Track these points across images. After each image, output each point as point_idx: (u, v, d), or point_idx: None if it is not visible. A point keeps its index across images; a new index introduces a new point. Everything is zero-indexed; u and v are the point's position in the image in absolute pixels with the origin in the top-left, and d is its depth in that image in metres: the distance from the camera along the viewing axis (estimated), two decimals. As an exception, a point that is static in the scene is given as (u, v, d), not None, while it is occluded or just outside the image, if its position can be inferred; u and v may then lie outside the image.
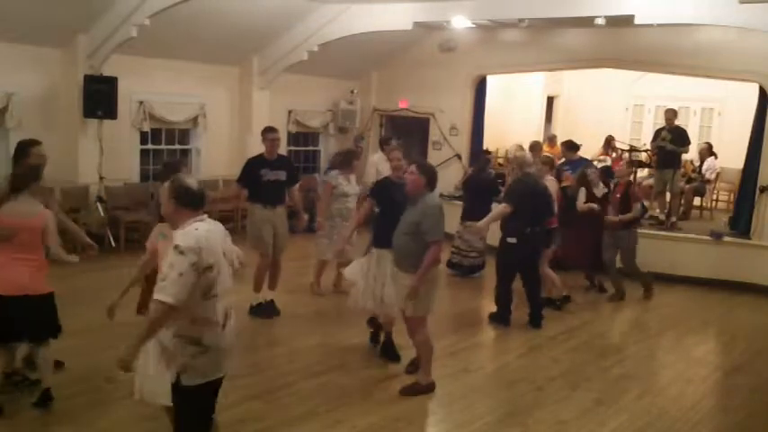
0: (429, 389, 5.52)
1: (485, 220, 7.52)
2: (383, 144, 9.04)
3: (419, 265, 5.19)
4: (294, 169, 7.70)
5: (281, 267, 7.51)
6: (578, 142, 10.47)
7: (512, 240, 7.19)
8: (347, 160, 8.04)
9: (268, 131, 7.41)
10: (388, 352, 6.22)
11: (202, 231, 3.38)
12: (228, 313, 3.52)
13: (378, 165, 8.80)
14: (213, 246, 3.39)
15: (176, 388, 3.44)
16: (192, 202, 3.46)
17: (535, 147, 11.07)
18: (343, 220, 7.79)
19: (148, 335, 3.34)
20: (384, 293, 5.88)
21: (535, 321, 7.48)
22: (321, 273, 8.23)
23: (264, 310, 7.28)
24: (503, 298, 7.50)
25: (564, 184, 9.75)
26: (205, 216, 3.53)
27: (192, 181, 3.54)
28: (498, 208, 7.32)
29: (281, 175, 7.28)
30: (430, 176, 5.32)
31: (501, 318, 7.49)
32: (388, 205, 6.00)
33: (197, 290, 3.30)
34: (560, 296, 8.25)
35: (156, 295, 3.23)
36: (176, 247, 3.27)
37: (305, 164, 13.74)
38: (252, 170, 7.23)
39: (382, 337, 6.34)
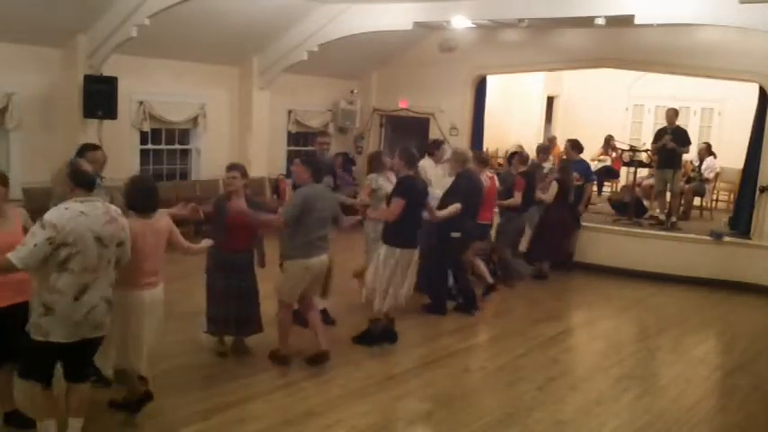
0: (284, 360, 5.84)
1: (442, 213, 7.20)
2: (432, 149, 8.81)
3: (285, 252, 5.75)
4: (335, 173, 7.68)
5: (331, 273, 6.81)
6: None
7: (456, 235, 7.25)
8: (378, 161, 8.01)
9: (318, 135, 7.76)
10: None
11: (70, 211, 3.81)
12: (88, 289, 3.87)
13: (427, 170, 8.35)
14: (77, 226, 3.78)
15: (27, 338, 3.91)
16: (82, 183, 3.92)
17: (543, 149, 11.10)
18: None
19: None
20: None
21: (470, 307, 7.68)
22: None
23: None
24: (442, 288, 7.65)
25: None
26: (92, 198, 3.94)
27: (86, 166, 4.04)
28: (453, 207, 7.17)
29: (330, 182, 7.05)
30: (314, 169, 5.75)
31: (439, 307, 7.57)
32: (414, 202, 6.29)
33: (52, 261, 3.75)
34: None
35: (10, 254, 3.69)
36: (41, 219, 3.76)
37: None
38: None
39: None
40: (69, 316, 3.84)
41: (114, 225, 4.00)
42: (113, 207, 4.10)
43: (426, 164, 8.65)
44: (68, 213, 3.79)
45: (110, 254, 3.98)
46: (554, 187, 9.41)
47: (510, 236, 9.10)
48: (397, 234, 6.27)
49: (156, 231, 4.59)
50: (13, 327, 4.06)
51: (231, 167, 5.92)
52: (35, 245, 3.69)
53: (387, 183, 7.66)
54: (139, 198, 4.61)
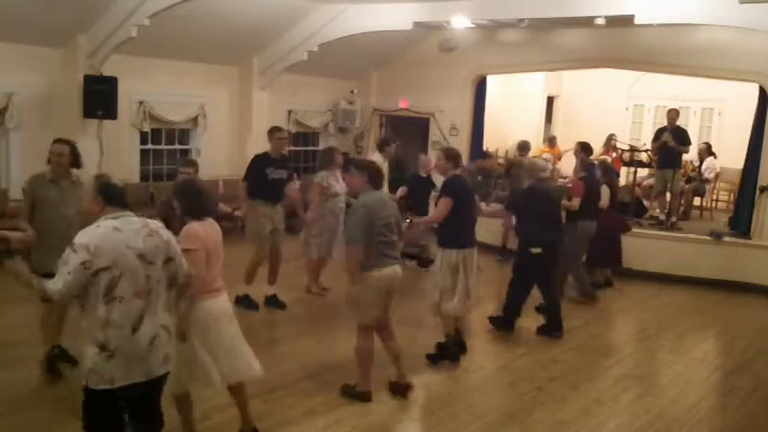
0: (363, 397, 5.29)
1: (487, 210, 7.34)
2: (383, 145, 9.17)
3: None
4: (293, 168, 7.88)
5: (281, 261, 7.64)
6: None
7: (536, 251, 6.97)
8: (329, 159, 8.03)
9: (277, 131, 7.60)
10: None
11: (102, 229, 3.34)
12: (144, 317, 3.38)
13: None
14: (114, 245, 3.30)
15: (84, 389, 3.40)
16: (113, 197, 3.48)
17: (524, 147, 11.05)
18: (335, 219, 7.92)
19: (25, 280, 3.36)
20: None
21: (556, 328, 7.28)
22: (318, 272, 8.26)
23: (252, 303, 7.40)
24: (515, 305, 7.23)
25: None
26: (125, 213, 3.48)
27: (116, 180, 3.60)
28: (497, 208, 7.19)
29: (283, 174, 7.46)
30: (371, 174, 5.25)
31: (507, 323, 7.27)
32: (465, 201, 6.18)
33: (97, 291, 3.25)
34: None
35: (47, 282, 3.25)
36: (72, 244, 3.28)
37: (305, 164, 13.74)
38: (258, 168, 7.36)
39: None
40: (132, 352, 3.33)
41: (156, 238, 3.48)
42: (152, 220, 3.61)
43: (375, 159, 8.85)
44: (101, 231, 3.32)
45: (158, 272, 3.45)
46: (606, 192, 9.00)
47: (573, 248, 8.25)
48: (452, 235, 6.13)
49: (215, 234, 4.31)
50: None
51: (187, 164, 6.33)
52: (69, 272, 3.20)
53: (335, 181, 7.87)
54: (197, 202, 4.30)
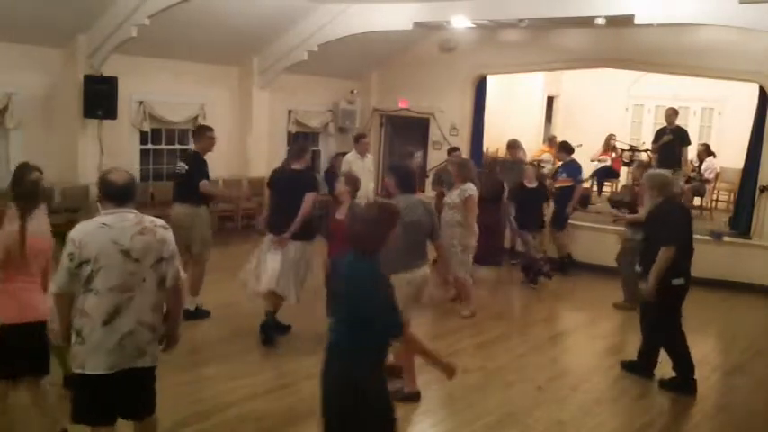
0: (412, 398, 5.26)
1: (652, 280, 5.75)
2: (355, 141, 9.19)
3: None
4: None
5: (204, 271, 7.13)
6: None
7: (678, 282, 5.78)
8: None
9: (208, 130, 7.28)
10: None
11: (92, 224, 3.45)
12: (120, 312, 3.41)
13: (351, 164, 8.81)
14: (97, 239, 3.38)
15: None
16: (107, 194, 3.54)
17: (514, 145, 11.07)
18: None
19: (59, 321, 3.60)
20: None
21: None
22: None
23: (201, 314, 7.00)
24: (684, 354, 5.90)
25: (558, 185, 9.83)
26: (122, 210, 3.49)
27: (116, 177, 3.57)
28: (664, 253, 5.67)
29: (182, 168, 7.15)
30: (399, 177, 5.47)
31: (689, 384, 5.86)
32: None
33: (77, 281, 3.41)
34: None
35: (51, 286, 3.56)
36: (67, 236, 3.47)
37: (305, 164, 13.73)
38: (204, 169, 7.04)
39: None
40: (100, 343, 3.39)
41: (149, 236, 3.48)
42: (150, 218, 3.58)
43: (351, 158, 8.81)
44: (90, 226, 3.42)
45: (144, 271, 3.46)
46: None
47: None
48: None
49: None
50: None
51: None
52: (61, 265, 3.40)
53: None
54: None
